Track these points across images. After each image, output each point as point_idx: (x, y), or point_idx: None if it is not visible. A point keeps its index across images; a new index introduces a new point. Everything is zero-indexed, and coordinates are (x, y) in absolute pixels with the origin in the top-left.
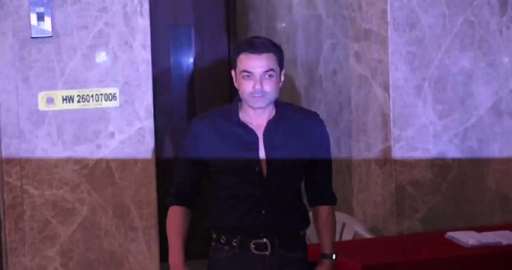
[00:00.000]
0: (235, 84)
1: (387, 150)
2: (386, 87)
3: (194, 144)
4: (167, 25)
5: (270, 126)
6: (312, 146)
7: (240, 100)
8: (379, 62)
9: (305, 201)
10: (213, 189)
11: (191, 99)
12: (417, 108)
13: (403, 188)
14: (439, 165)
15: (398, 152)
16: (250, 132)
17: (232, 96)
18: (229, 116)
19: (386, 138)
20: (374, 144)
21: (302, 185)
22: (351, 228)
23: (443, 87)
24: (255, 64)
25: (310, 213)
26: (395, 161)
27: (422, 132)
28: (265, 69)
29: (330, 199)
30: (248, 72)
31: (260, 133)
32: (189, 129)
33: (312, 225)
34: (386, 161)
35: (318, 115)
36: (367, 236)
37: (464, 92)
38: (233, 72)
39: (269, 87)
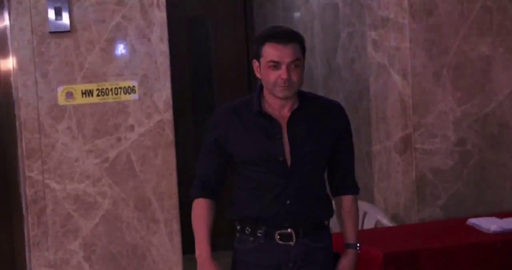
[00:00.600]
0: (258, 74)
1: (407, 137)
2: (404, 75)
3: (216, 135)
4: (184, 18)
5: (294, 116)
6: (335, 135)
7: (261, 90)
8: (397, 49)
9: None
10: (237, 180)
11: (209, 91)
12: (436, 95)
13: (424, 175)
14: (460, 152)
15: (418, 139)
16: (273, 122)
17: (251, 88)
18: (252, 106)
19: (406, 125)
20: (393, 131)
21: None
22: (373, 216)
23: (462, 73)
24: (282, 53)
25: (333, 202)
26: (415, 148)
27: (442, 119)
28: (292, 58)
29: (353, 189)
30: (276, 62)
31: (283, 124)
32: (211, 120)
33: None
34: (406, 148)
35: (340, 104)
36: (389, 224)
37: (483, 78)
38: (255, 63)
39: (296, 77)
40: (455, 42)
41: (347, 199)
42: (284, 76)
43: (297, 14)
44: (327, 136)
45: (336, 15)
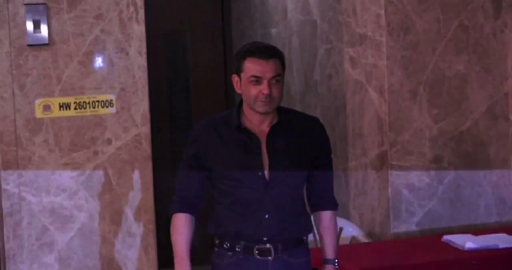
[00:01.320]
0: (238, 89)
1: (384, 154)
2: (381, 92)
3: (195, 149)
4: (162, 32)
5: (273, 131)
6: (314, 150)
7: (240, 105)
8: (374, 67)
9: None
10: (216, 195)
11: (187, 105)
12: (413, 112)
13: (400, 192)
14: (435, 169)
15: (394, 156)
16: (252, 137)
17: (229, 102)
18: (231, 121)
19: (382, 142)
20: (370, 148)
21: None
22: (348, 232)
23: (438, 91)
24: (264, 69)
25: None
26: (392, 165)
27: (418, 136)
28: (273, 74)
29: (331, 204)
30: (257, 77)
31: (262, 139)
32: (190, 135)
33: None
34: (382, 165)
35: (319, 120)
36: (364, 240)
37: (459, 96)
38: (235, 78)
39: (277, 93)
40: (432, 60)
41: (325, 215)
42: (266, 91)
43: (275, 30)
44: (306, 151)
45: (314, 32)
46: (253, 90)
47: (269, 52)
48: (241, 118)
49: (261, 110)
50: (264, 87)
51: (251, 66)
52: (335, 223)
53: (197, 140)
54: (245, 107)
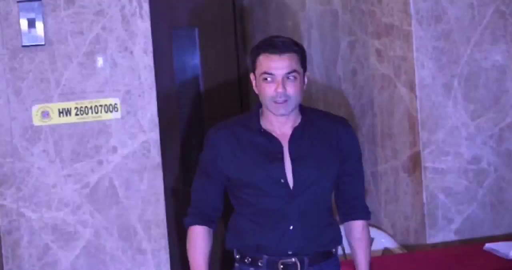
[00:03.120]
0: (255, 89)
1: (416, 156)
2: (412, 87)
3: (212, 156)
4: (168, 27)
5: (296, 134)
6: (342, 154)
7: (260, 106)
8: (403, 59)
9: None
10: (235, 204)
11: (197, 107)
12: (447, 108)
13: (435, 197)
14: (474, 170)
15: (428, 158)
16: (274, 141)
17: (243, 103)
18: (250, 124)
19: (415, 143)
20: (401, 149)
21: (333, 198)
22: (380, 243)
23: (475, 84)
24: (276, 65)
25: (342, 228)
26: (426, 168)
27: (454, 135)
28: (287, 70)
29: (363, 214)
30: (269, 74)
31: (284, 142)
32: (206, 140)
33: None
34: (415, 168)
35: (347, 121)
36: (398, 251)
37: (498, 90)
38: (252, 76)
39: (293, 91)
40: (466, 51)
41: (357, 225)
42: (280, 89)
43: (292, 22)
44: (332, 155)
45: (336, 23)
46: (267, 89)
47: (283, 47)
48: (262, 121)
49: (276, 112)
50: (277, 85)
51: (264, 63)
52: (368, 234)
53: (213, 144)
54: (264, 109)
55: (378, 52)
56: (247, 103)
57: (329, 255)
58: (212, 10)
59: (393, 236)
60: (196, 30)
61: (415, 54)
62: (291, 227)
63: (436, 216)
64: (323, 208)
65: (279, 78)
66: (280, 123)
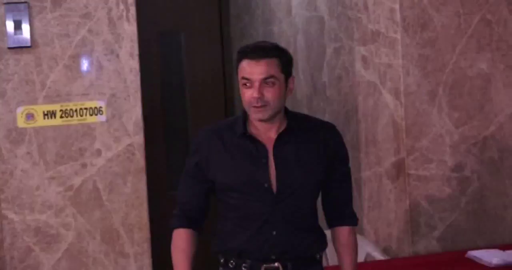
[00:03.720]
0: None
1: (400, 163)
2: (397, 94)
3: (198, 159)
4: (155, 31)
5: (281, 139)
6: (329, 159)
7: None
8: (389, 66)
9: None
10: (220, 208)
11: (182, 111)
12: (432, 116)
13: (418, 204)
14: (457, 178)
15: (412, 165)
16: (258, 145)
17: (228, 108)
18: (236, 128)
19: (399, 150)
20: (385, 156)
21: (319, 204)
22: (362, 249)
23: (459, 92)
24: (254, 70)
25: (328, 234)
26: (409, 175)
27: (438, 143)
28: (264, 76)
29: (350, 219)
30: (247, 79)
31: (269, 147)
32: (192, 143)
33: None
34: (399, 174)
35: (334, 126)
36: (380, 257)
37: (482, 98)
38: (237, 81)
39: (270, 96)
40: (451, 59)
41: (343, 231)
42: (255, 94)
43: (278, 28)
44: (318, 160)
45: (322, 29)
46: (246, 94)
47: (261, 52)
48: (248, 125)
49: (254, 117)
50: (254, 90)
51: (243, 68)
52: (355, 240)
53: (199, 148)
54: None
55: (364, 59)
56: (232, 108)
57: (313, 260)
58: (199, 15)
59: (375, 243)
60: (183, 34)
61: (401, 61)
62: (274, 232)
63: (419, 223)
64: (307, 213)
65: (256, 84)
66: (265, 129)
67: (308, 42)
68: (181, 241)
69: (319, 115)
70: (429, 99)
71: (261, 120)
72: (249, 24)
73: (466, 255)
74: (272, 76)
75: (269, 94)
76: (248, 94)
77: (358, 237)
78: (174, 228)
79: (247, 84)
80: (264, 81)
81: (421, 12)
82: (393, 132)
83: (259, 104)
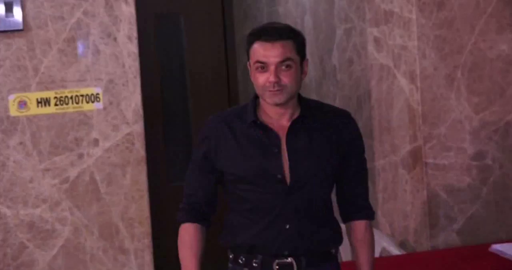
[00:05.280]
0: (252, 78)
1: (417, 151)
2: (412, 78)
3: (206, 149)
4: (153, 14)
5: (294, 127)
6: (343, 149)
7: (257, 97)
8: (403, 49)
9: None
10: (229, 201)
11: (183, 98)
12: (450, 101)
13: (437, 195)
14: (478, 167)
15: (430, 153)
16: (270, 134)
17: (231, 95)
18: (246, 116)
19: (415, 137)
20: (400, 144)
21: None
22: (377, 243)
23: (479, 76)
24: (269, 53)
25: (343, 228)
26: (426, 164)
27: (457, 129)
28: (280, 58)
29: (366, 213)
30: (262, 62)
31: (282, 135)
32: (200, 133)
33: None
34: (415, 163)
35: (349, 113)
36: (397, 252)
37: (504, 81)
38: (248, 65)
39: (288, 80)
40: (470, 40)
41: (359, 225)
42: (272, 79)
43: (284, 8)
44: (333, 149)
45: (331, 9)
46: (260, 78)
47: (276, 34)
48: (258, 112)
49: (270, 101)
50: (270, 74)
51: (256, 51)
52: (371, 234)
53: (207, 137)
54: (261, 99)
55: (377, 40)
56: (235, 95)
57: (328, 255)
58: None
59: (391, 236)
60: (182, 17)
61: (416, 43)
62: (287, 226)
63: (437, 215)
64: (321, 205)
65: (272, 67)
66: (278, 115)
67: (317, 23)
68: (188, 237)
69: (329, 101)
70: (446, 83)
71: (277, 104)
72: (252, 4)
73: (489, 249)
74: (288, 59)
75: (286, 78)
76: (263, 79)
77: (374, 230)
78: (181, 223)
79: (262, 68)
80: (281, 64)
81: None
82: (408, 118)
83: (275, 89)
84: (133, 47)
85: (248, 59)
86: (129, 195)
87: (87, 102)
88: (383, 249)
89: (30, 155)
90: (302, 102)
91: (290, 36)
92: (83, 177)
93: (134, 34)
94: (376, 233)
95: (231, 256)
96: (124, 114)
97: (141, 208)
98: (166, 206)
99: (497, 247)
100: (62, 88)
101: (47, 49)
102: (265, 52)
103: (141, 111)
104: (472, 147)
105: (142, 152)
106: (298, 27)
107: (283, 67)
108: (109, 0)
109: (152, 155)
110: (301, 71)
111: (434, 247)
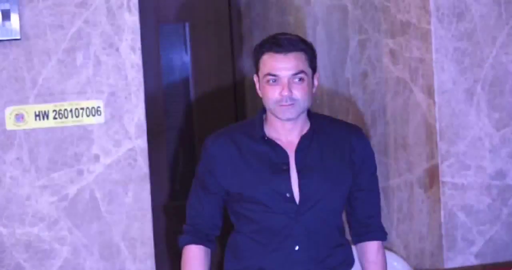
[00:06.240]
0: (258, 92)
1: (434, 169)
2: (430, 93)
3: (210, 167)
4: (156, 22)
5: (303, 143)
6: (355, 167)
7: (264, 112)
8: (421, 61)
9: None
10: (235, 221)
11: (187, 112)
12: (469, 117)
13: (454, 216)
14: (498, 187)
15: (447, 172)
16: (278, 150)
17: (238, 108)
18: (253, 132)
19: (432, 155)
20: (417, 162)
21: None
22: (391, 266)
23: (500, 90)
24: (281, 65)
25: (354, 250)
26: (444, 183)
27: (476, 147)
28: (293, 71)
29: (379, 234)
30: (273, 75)
31: (291, 152)
32: (203, 149)
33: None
34: (432, 182)
35: (361, 129)
36: None
37: None
38: (255, 78)
39: (300, 94)
40: (491, 52)
41: (372, 246)
42: (285, 92)
43: (295, 18)
44: (344, 167)
45: (345, 20)
46: (271, 92)
47: (289, 45)
48: (266, 128)
49: (282, 116)
50: (283, 88)
51: (267, 63)
52: (384, 256)
53: (211, 154)
54: (269, 114)
55: (392, 53)
56: (242, 109)
57: None
58: (205, 4)
59: (406, 259)
60: (187, 25)
61: (434, 55)
62: (297, 248)
63: (455, 237)
64: (332, 226)
65: (285, 80)
66: (286, 131)
67: (329, 34)
68: (193, 260)
69: (341, 116)
70: (466, 98)
71: (289, 119)
72: (262, 13)
73: None
74: (302, 72)
75: (298, 92)
76: (274, 92)
77: (387, 252)
78: (185, 245)
79: (273, 81)
80: (293, 77)
81: (456, 0)
82: (425, 135)
83: (288, 103)
84: (137, 58)
85: (257, 71)
86: (131, 214)
87: (88, 115)
88: None
89: (27, 170)
90: (312, 117)
91: (303, 47)
92: (82, 195)
93: (138, 44)
94: (390, 255)
95: None
96: (126, 129)
97: (143, 228)
98: (170, 226)
99: None
100: (62, 101)
101: (46, 59)
102: (277, 64)
103: (144, 126)
104: (492, 165)
105: (145, 169)
106: (309, 38)
107: (296, 80)
108: (111, 9)
109: (154, 171)
110: (312, 85)
111: None
